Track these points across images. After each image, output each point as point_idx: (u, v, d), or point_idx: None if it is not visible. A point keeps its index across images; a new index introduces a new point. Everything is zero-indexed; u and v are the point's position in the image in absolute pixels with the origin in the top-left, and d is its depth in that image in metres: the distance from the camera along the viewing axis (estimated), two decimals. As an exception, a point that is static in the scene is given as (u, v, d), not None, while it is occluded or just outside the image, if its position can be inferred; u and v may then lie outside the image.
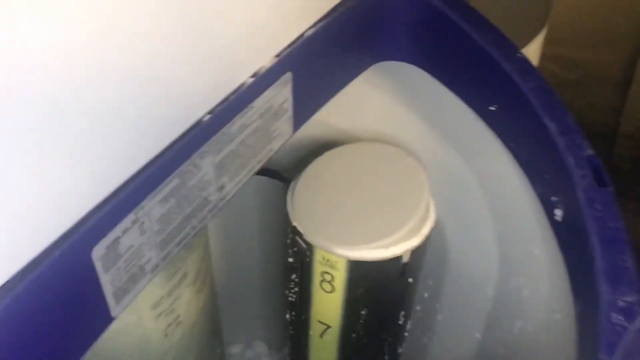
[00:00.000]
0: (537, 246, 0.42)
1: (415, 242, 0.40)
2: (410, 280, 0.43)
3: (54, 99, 0.20)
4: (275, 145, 0.34)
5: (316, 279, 0.42)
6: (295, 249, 0.42)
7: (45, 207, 0.21)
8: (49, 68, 0.19)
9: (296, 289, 0.45)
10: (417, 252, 0.41)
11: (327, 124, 0.47)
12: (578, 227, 0.32)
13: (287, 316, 0.49)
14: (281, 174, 0.48)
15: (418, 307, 0.53)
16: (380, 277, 0.41)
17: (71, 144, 0.21)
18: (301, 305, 0.45)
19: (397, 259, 0.40)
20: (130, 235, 0.25)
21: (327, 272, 0.41)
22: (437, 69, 0.40)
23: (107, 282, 0.25)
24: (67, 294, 0.23)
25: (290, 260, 0.44)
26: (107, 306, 0.25)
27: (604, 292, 0.29)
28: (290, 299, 0.46)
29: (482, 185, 0.44)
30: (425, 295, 0.52)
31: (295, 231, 0.41)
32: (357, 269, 0.40)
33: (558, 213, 0.35)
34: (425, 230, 0.41)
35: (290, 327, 0.49)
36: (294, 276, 0.45)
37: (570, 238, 0.35)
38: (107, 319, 0.25)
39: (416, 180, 0.42)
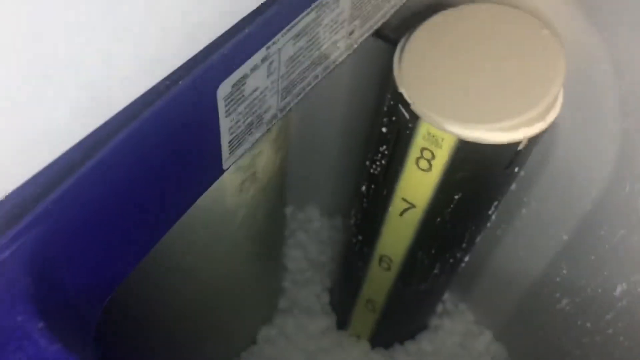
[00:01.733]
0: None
1: (537, 129, 0.35)
2: (516, 169, 0.38)
3: None
4: (411, -9, 0.28)
5: (413, 155, 0.37)
6: (393, 118, 0.38)
7: (174, 26, 0.16)
8: None
9: (382, 162, 0.41)
10: (534, 141, 0.36)
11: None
12: None
13: (363, 188, 0.45)
14: (385, 32, 0.42)
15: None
16: (487, 162, 0.36)
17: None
18: (385, 180, 0.41)
19: (514, 145, 0.35)
20: (257, 76, 0.20)
21: (427, 149, 0.36)
22: None
23: (226, 128, 0.20)
24: (183, 134, 0.19)
25: (384, 130, 0.39)
26: (221, 156, 0.21)
27: None
28: (372, 171, 0.42)
29: (619, 75, 0.38)
30: (513, 186, 0.48)
31: (400, 99, 0.36)
32: (464, 150, 0.35)
33: None
34: (551, 117, 0.36)
35: (365, 200, 0.45)
36: (383, 148, 0.40)
37: None
38: (218, 170, 0.22)
39: (551, 57, 0.36)
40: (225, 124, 0.20)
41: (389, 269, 0.47)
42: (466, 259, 0.47)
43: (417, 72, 0.36)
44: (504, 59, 0.36)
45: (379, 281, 0.49)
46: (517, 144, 0.35)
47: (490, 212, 0.42)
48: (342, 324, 0.59)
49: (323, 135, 0.55)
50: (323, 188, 0.65)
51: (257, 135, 0.23)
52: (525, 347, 0.54)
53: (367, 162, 0.43)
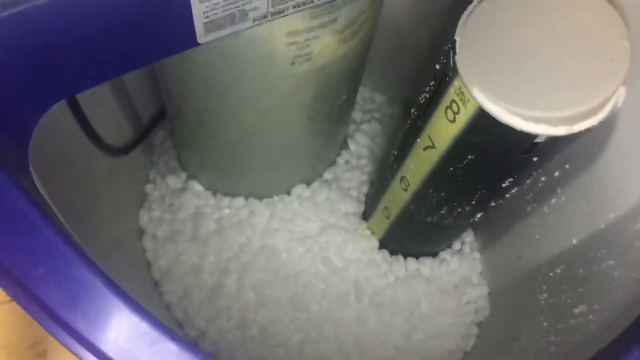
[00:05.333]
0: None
1: (560, 131, 0.34)
2: (534, 159, 0.38)
3: None
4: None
5: (445, 102, 0.39)
6: (444, 60, 0.38)
7: None
8: None
9: (427, 96, 0.42)
10: (560, 140, 0.35)
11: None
12: None
13: (413, 110, 0.47)
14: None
15: (543, 178, 0.49)
16: (503, 141, 0.37)
17: None
18: (423, 113, 0.43)
19: (530, 136, 0.35)
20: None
21: (456, 103, 0.37)
22: None
23: (200, 12, 0.24)
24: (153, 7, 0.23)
25: (437, 66, 0.40)
26: (194, 32, 0.25)
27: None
28: (421, 100, 0.44)
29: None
30: (556, 174, 0.47)
31: (453, 44, 0.37)
32: (483, 119, 0.36)
33: None
34: (585, 124, 0.34)
35: (409, 122, 0.47)
36: (432, 83, 0.41)
37: None
38: (192, 42, 0.25)
39: (612, 47, 0.34)
40: (198, 8, 0.23)
41: (406, 190, 0.50)
42: (479, 215, 0.49)
43: (479, 28, 0.36)
44: (569, 45, 0.35)
45: (396, 197, 0.52)
46: (534, 136, 0.35)
47: (504, 185, 0.43)
48: (366, 216, 0.63)
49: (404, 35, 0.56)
50: (415, 91, 0.66)
51: (243, 27, 0.26)
52: (512, 315, 0.56)
53: (424, 88, 0.45)
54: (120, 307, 0.20)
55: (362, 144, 0.68)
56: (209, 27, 0.25)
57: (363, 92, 0.73)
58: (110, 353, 0.19)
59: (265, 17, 0.26)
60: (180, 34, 0.25)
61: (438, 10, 0.56)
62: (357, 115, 0.70)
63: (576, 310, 0.41)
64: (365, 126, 0.69)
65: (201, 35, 0.25)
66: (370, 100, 0.72)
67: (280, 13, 0.26)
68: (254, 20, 0.26)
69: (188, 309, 0.60)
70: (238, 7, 0.25)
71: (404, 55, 0.66)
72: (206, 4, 0.23)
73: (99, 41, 0.23)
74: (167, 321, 0.60)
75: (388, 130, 0.69)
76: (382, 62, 0.68)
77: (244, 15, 0.25)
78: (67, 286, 0.19)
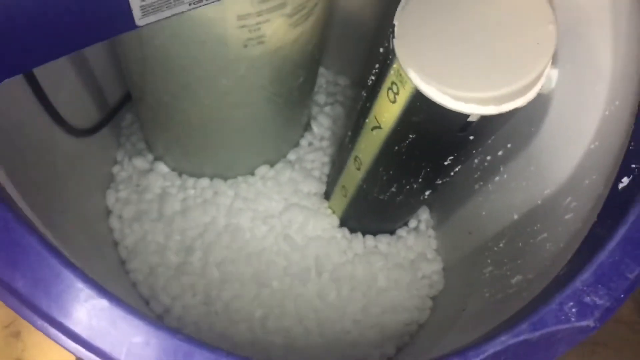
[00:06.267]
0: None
1: (489, 110, 0.37)
2: (471, 137, 0.41)
3: None
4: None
5: (386, 84, 0.41)
6: (386, 44, 0.40)
7: None
8: None
9: (373, 78, 0.44)
10: (492, 120, 0.38)
11: None
12: None
13: (363, 92, 0.49)
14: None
15: (488, 158, 0.52)
16: (439, 120, 0.39)
17: None
18: (371, 94, 0.45)
19: (463, 115, 0.37)
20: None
21: (396, 85, 0.39)
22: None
23: (135, -3, 0.25)
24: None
25: (381, 50, 0.42)
26: (132, 15, 0.26)
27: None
28: (369, 82, 0.46)
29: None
30: (500, 153, 0.50)
31: (393, 29, 0.39)
32: (419, 99, 0.38)
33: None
34: (513, 104, 0.37)
35: (360, 104, 0.49)
36: (377, 66, 0.43)
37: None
38: (131, 25, 0.27)
39: (539, 31, 0.36)
40: (133, -7, 0.25)
41: (359, 169, 0.52)
42: (428, 192, 0.51)
43: (416, 13, 0.38)
44: (499, 30, 0.37)
45: (351, 176, 0.54)
46: (466, 115, 0.37)
47: (446, 163, 0.45)
48: (327, 195, 0.65)
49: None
50: (353, 61, 0.68)
51: (180, 10, 0.28)
52: (462, 289, 0.58)
53: (371, 71, 0.47)
54: (59, 269, 0.22)
55: (324, 127, 0.70)
56: (146, 9, 0.26)
57: (327, 76, 0.74)
58: (45, 308, 0.21)
59: (200, 1, 0.28)
60: (117, 16, 0.26)
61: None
62: (320, 98, 0.72)
63: (513, 281, 0.44)
64: (328, 109, 0.71)
65: (139, 18, 0.27)
66: (334, 84, 0.74)
67: (213, -2, 0.28)
68: (190, 4, 0.28)
69: (154, 286, 0.62)
70: (172, -8, 0.26)
71: (366, 40, 0.68)
72: (141, -12, 0.25)
73: (34, 21, 0.24)
74: (134, 298, 0.62)
75: (350, 113, 0.71)
76: (345, 46, 0.69)
77: (178, 0, 0.27)
78: (6, 248, 0.21)
